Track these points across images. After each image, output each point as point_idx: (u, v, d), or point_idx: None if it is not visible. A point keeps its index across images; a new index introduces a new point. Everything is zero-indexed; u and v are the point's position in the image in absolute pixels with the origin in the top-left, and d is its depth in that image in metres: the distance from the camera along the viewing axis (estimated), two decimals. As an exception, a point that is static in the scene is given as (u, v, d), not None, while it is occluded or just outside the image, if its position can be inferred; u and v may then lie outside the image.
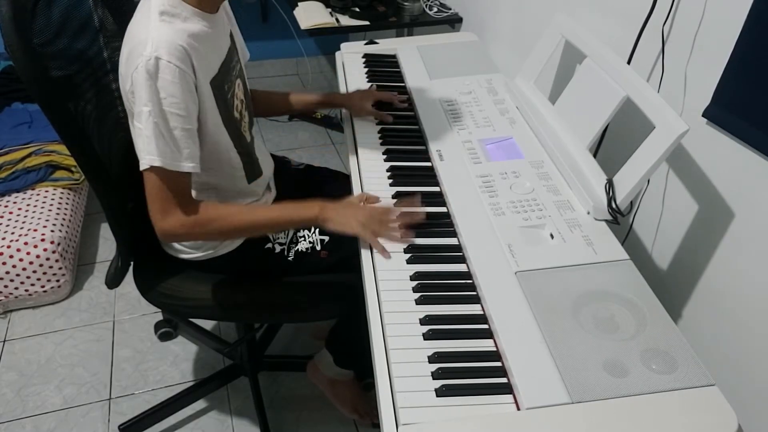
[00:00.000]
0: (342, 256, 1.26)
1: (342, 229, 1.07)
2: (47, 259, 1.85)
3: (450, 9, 2.22)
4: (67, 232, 1.93)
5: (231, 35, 1.19)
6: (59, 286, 1.92)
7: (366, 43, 1.78)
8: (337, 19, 2.16)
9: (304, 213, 1.09)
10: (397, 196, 1.18)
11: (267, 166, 1.32)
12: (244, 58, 1.30)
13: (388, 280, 1.00)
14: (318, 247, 1.26)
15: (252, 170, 1.24)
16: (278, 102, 1.46)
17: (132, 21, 1.04)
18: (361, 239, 1.07)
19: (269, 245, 1.25)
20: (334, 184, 1.44)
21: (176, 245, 1.22)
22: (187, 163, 1.01)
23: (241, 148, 1.18)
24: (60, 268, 1.88)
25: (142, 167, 0.99)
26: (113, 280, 1.28)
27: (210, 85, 1.06)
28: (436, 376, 0.84)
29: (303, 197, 1.31)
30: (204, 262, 1.24)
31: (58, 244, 1.86)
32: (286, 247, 1.26)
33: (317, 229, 1.27)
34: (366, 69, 1.64)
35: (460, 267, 1.03)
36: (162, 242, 1.26)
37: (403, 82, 1.58)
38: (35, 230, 1.84)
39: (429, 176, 1.23)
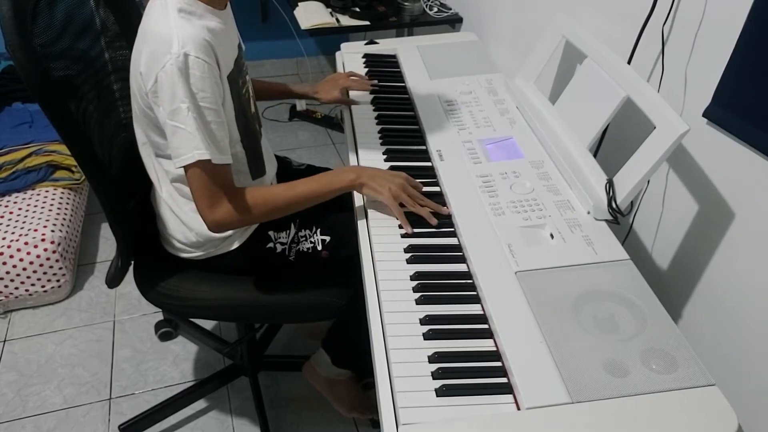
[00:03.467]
0: (343, 257, 1.26)
1: (374, 195, 1.12)
2: (47, 259, 1.85)
3: (450, 9, 2.22)
4: (67, 232, 1.93)
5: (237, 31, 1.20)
6: (59, 286, 1.92)
7: (366, 43, 1.78)
8: (337, 19, 2.17)
9: (341, 181, 1.13)
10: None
11: (270, 166, 1.32)
12: None
13: (388, 280, 1.00)
14: (319, 248, 1.27)
15: (256, 167, 1.24)
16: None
17: (146, 20, 1.04)
18: (389, 206, 1.11)
19: (270, 245, 1.25)
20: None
21: (177, 244, 1.22)
22: (225, 155, 1.04)
23: (247, 143, 1.18)
24: (60, 268, 1.88)
25: (184, 163, 1.00)
26: (113, 280, 1.28)
27: (227, 80, 1.07)
28: (436, 376, 0.84)
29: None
30: (204, 262, 1.24)
31: (59, 244, 1.86)
32: (287, 247, 1.26)
33: (318, 230, 1.27)
34: (366, 69, 1.64)
35: (460, 267, 1.03)
36: (162, 241, 1.26)
37: (403, 82, 1.58)
38: (35, 230, 1.84)
39: (429, 176, 1.23)
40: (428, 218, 1.10)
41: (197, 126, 0.98)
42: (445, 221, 1.12)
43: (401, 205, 1.11)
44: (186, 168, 1.01)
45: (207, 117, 1.00)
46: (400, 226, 1.10)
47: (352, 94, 1.52)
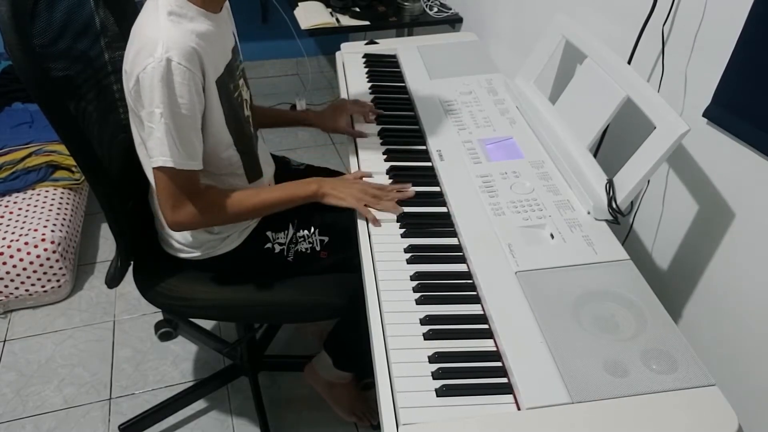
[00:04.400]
0: (342, 257, 1.26)
1: (338, 203, 1.15)
2: (47, 259, 1.85)
3: (450, 9, 2.22)
4: (67, 232, 1.93)
5: (234, 35, 1.20)
6: (59, 286, 1.92)
7: (366, 43, 1.78)
8: (337, 19, 2.16)
9: (303, 191, 1.16)
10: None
11: (268, 168, 1.32)
12: None
13: (388, 280, 1.00)
14: (318, 248, 1.27)
15: (252, 170, 1.24)
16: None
17: (138, 20, 1.04)
18: (357, 213, 1.13)
19: (269, 245, 1.25)
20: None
21: (175, 244, 1.22)
22: (192, 161, 1.04)
23: (242, 147, 1.18)
24: (60, 268, 1.88)
25: (155, 165, 1.02)
26: (113, 280, 1.28)
27: (216, 85, 1.07)
28: (436, 376, 0.84)
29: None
30: (203, 262, 1.24)
31: (58, 244, 1.86)
32: (285, 247, 1.26)
33: (317, 230, 1.27)
34: (366, 69, 1.64)
35: (460, 267, 1.03)
36: (161, 241, 1.26)
37: (403, 82, 1.58)
38: (35, 230, 1.84)
39: (429, 176, 1.23)
40: (394, 210, 1.13)
41: (166, 132, 0.99)
42: (445, 221, 1.12)
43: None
44: (153, 170, 1.04)
45: (180, 123, 1.00)
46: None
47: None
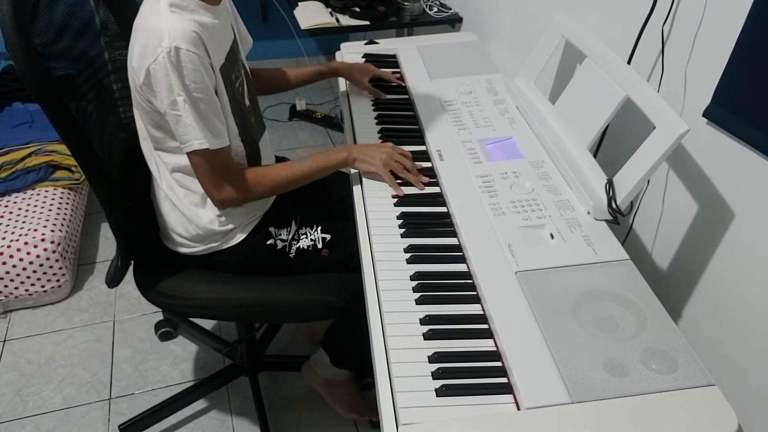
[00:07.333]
0: (342, 255, 1.26)
1: (367, 168, 1.21)
2: (47, 259, 1.85)
3: (450, 9, 2.22)
4: (67, 231, 1.93)
5: (232, 26, 1.21)
6: (59, 286, 1.92)
7: (366, 43, 1.78)
8: (337, 19, 2.17)
9: (335, 158, 1.21)
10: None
11: (268, 159, 1.33)
12: (247, 45, 1.33)
13: (388, 280, 1.00)
14: (319, 245, 1.27)
15: (254, 160, 1.25)
16: (273, 78, 1.49)
17: (139, 15, 1.06)
18: (382, 175, 1.20)
19: (271, 241, 1.25)
20: (334, 184, 1.44)
21: (177, 238, 1.23)
22: (220, 139, 1.08)
23: (245, 137, 1.20)
24: (60, 268, 1.88)
25: (189, 149, 1.07)
26: (113, 280, 1.28)
27: (220, 73, 1.09)
28: (436, 376, 0.84)
29: (302, 197, 1.31)
30: (204, 258, 1.24)
31: (58, 244, 1.86)
32: (287, 243, 1.26)
33: (319, 227, 1.27)
34: (366, 69, 1.64)
35: (460, 267, 1.03)
36: (163, 236, 1.27)
37: (403, 82, 1.58)
38: (35, 230, 1.84)
39: (429, 176, 1.23)
40: (416, 183, 1.20)
41: (194, 117, 1.03)
42: (445, 221, 1.12)
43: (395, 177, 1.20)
44: (189, 155, 1.08)
45: (201, 106, 1.04)
46: (395, 196, 1.17)
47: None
